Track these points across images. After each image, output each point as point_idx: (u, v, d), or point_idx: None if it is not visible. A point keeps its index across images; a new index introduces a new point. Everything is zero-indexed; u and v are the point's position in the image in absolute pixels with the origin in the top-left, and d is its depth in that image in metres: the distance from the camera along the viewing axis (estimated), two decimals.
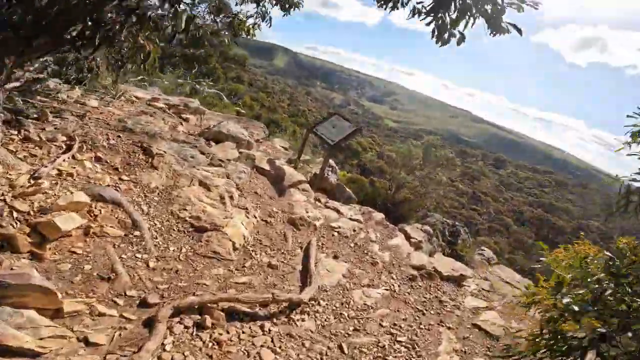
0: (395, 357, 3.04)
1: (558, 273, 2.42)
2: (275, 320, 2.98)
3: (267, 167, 5.15)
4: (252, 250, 3.73)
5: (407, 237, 5.42)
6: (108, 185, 3.47)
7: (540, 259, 2.71)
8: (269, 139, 8.69)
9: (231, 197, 4.03)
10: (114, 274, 2.84)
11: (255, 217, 4.13)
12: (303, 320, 3.10)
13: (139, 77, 15.91)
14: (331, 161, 7.20)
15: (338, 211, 5.04)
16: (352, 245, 4.57)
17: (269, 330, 2.84)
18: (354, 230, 4.80)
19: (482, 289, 5.00)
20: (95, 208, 3.17)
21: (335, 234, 4.60)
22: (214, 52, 19.91)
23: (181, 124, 6.32)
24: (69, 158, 3.52)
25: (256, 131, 7.98)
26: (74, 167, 3.46)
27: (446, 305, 4.07)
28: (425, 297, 4.12)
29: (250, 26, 4.90)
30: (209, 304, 2.72)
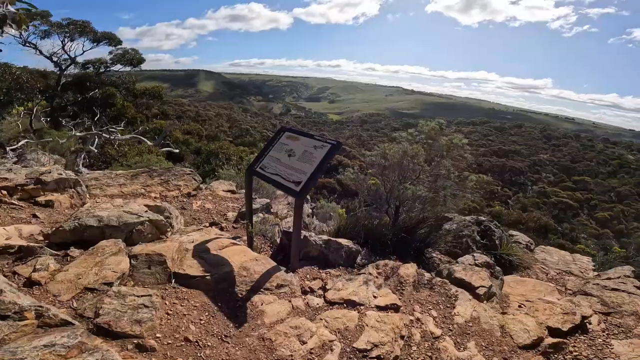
0: None
1: None
2: None
3: (197, 269, 2.59)
4: None
5: (471, 289, 3.23)
6: None
7: None
8: (207, 185, 6.09)
9: None
10: None
11: None
12: None
13: (21, 142, 12.27)
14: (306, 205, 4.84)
15: (354, 304, 2.66)
16: None
17: None
18: (402, 337, 2.46)
19: (604, 314, 3.05)
20: None
21: None
22: (117, 91, 16.50)
23: (34, 216, 3.57)
24: None
25: (183, 182, 5.36)
26: None
27: None
28: None
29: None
30: None
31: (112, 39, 16.19)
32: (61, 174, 3.87)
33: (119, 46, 16.50)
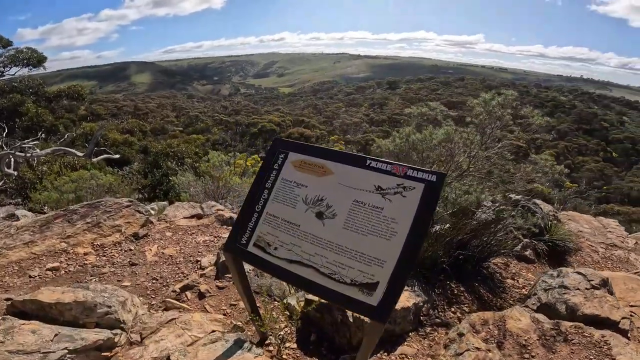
0: None
1: None
2: None
3: None
4: None
5: (612, 325, 2.22)
6: None
7: None
8: (159, 211, 4.47)
9: None
10: None
11: None
12: None
13: None
14: None
15: None
16: None
17: None
18: None
19: None
20: None
21: None
22: (25, 97, 13.35)
23: None
24: None
25: (122, 220, 3.71)
26: None
27: None
28: None
29: None
30: None
31: None
32: None
33: (10, 47, 13.28)
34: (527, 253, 3.84)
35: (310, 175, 1.48)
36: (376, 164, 1.39)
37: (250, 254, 1.47)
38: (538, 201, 6.06)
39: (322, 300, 2.08)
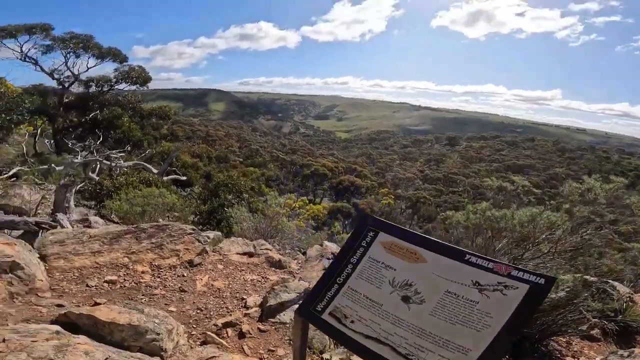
0: None
1: None
2: None
3: None
4: None
5: None
6: None
7: None
8: (215, 241, 4.62)
9: None
10: None
11: None
12: None
13: (12, 171, 11.04)
14: None
15: None
16: None
17: None
18: None
19: None
20: None
21: None
22: (124, 111, 15.45)
23: None
24: None
25: (182, 246, 3.89)
26: None
27: None
28: None
29: None
30: None
31: (117, 56, 15.40)
32: None
33: (125, 63, 15.70)
34: (593, 332, 3.32)
35: (401, 260, 1.45)
36: (476, 260, 1.30)
37: (325, 322, 1.46)
38: (615, 283, 5.31)
39: None
